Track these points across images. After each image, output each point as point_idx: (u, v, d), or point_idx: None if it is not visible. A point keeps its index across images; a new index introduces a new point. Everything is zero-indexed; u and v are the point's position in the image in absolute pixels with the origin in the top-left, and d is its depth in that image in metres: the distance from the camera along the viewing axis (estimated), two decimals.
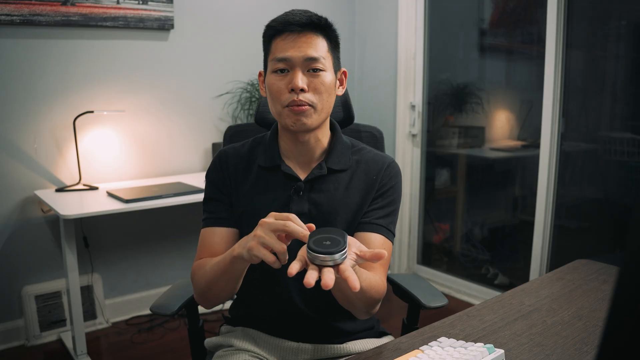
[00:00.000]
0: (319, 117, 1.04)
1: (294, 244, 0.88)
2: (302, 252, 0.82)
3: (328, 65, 1.04)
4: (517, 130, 2.94)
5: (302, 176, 1.10)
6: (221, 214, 1.11)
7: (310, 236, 0.83)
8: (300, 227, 0.84)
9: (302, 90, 1.00)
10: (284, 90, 1.01)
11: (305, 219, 1.05)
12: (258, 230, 0.85)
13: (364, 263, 0.99)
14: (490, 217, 3.20)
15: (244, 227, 1.09)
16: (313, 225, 0.86)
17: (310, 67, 1.01)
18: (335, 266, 0.79)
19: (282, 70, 1.02)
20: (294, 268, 0.79)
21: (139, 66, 2.56)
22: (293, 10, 1.04)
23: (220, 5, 2.76)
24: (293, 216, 0.85)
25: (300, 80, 1.00)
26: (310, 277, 0.76)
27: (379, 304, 1.05)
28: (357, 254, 0.84)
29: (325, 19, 1.04)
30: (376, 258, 0.83)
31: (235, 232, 1.11)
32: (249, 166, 1.12)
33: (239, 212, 1.10)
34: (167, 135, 2.70)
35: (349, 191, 1.09)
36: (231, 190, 1.11)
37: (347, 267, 0.79)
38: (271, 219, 0.85)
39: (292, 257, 0.82)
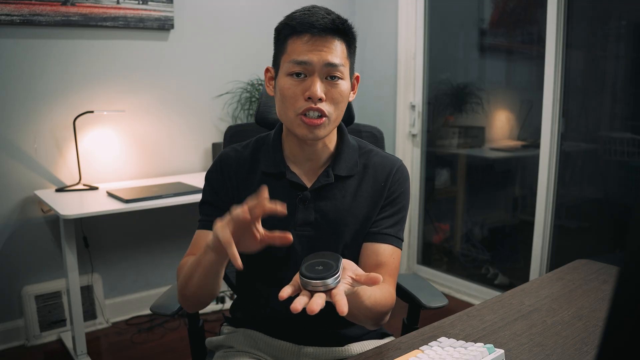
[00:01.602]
0: (331, 127, 1.01)
1: (292, 270, 0.86)
2: (297, 277, 0.81)
3: (346, 72, 0.99)
4: (517, 130, 2.95)
5: (308, 183, 1.06)
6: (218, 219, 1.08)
7: (304, 261, 0.82)
8: (240, 212, 0.83)
9: (320, 99, 0.96)
10: (299, 96, 0.97)
11: (311, 228, 1.04)
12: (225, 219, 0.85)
13: (373, 271, 0.99)
14: (490, 217, 3.20)
15: None
16: (285, 210, 0.85)
17: (329, 74, 0.96)
18: (328, 291, 0.78)
19: (298, 75, 0.96)
20: (286, 292, 0.78)
21: (139, 66, 2.56)
22: (314, 8, 0.98)
23: (220, 5, 2.76)
24: (250, 203, 0.84)
25: (319, 89, 0.95)
26: (298, 303, 0.75)
27: (388, 315, 1.03)
28: (352, 278, 0.83)
29: (347, 23, 0.99)
30: (371, 282, 0.81)
31: None
32: (251, 171, 1.08)
33: None
34: (167, 135, 2.70)
35: (357, 199, 1.06)
36: (232, 197, 1.07)
37: (339, 291, 0.78)
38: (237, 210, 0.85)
39: (289, 282, 0.82)
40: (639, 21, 2.41)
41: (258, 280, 1.11)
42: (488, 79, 3.08)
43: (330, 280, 0.77)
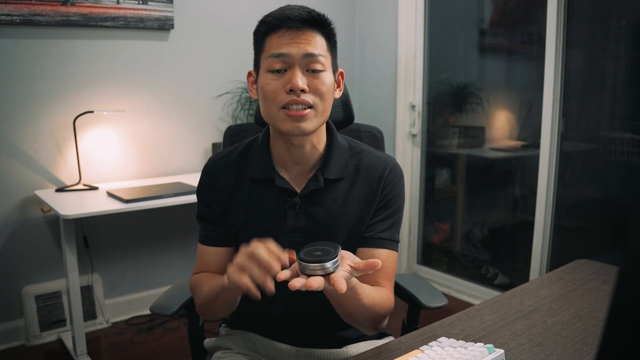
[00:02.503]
0: (319, 120, 0.97)
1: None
2: (296, 264, 0.82)
3: (327, 65, 0.97)
4: (517, 130, 2.95)
5: (298, 188, 1.03)
6: (214, 234, 1.08)
7: (303, 248, 0.83)
8: (266, 259, 0.78)
9: (302, 90, 0.93)
10: (281, 90, 0.93)
11: (302, 234, 1.02)
12: (238, 257, 0.83)
13: (369, 279, 0.98)
14: (490, 217, 3.20)
15: (239, 244, 1.03)
16: (294, 254, 0.84)
17: (310, 67, 0.94)
18: (326, 275, 0.78)
19: (278, 70, 0.94)
20: (284, 274, 0.79)
21: (139, 66, 2.56)
22: (289, 5, 0.97)
23: (220, 5, 2.76)
24: (269, 244, 0.81)
25: (300, 79, 0.92)
26: (296, 281, 0.76)
27: (386, 319, 1.02)
28: (351, 266, 0.83)
29: (325, 16, 0.98)
30: (370, 268, 0.81)
31: (229, 250, 1.07)
32: (240, 177, 1.06)
33: (235, 229, 1.06)
34: (167, 135, 2.70)
35: (349, 202, 1.03)
36: (224, 207, 1.06)
37: (337, 274, 0.78)
38: (260, 249, 0.81)
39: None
40: (639, 21, 2.41)
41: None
42: (488, 79, 3.08)
43: (329, 264, 0.78)
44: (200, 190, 1.09)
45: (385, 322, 1.02)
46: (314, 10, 0.97)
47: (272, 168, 1.04)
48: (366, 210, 1.04)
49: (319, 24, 0.96)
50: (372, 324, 0.99)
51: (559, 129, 2.47)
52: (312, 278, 0.77)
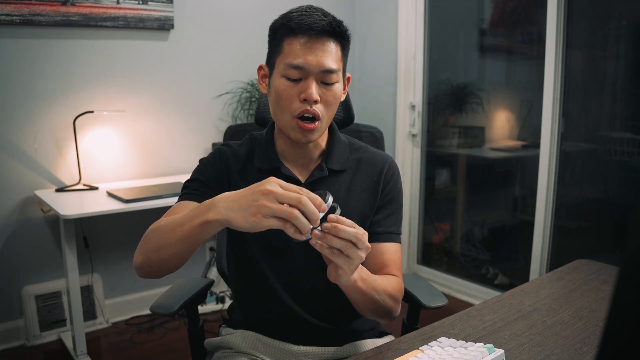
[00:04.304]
0: (323, 129, 1.03)
1: (287, 271, 0.92)
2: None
3: (340, 75, 1.02)
4: (517, 130, 2.95)
5: (302, 178, 1.08)
6: (205, 195, 1.02)
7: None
8: (314, 210, 0.75)
9: (315, 101, 0.98)
10: (295, 98, 0.98)
11: None
12: (263, 200, 0.74)
13: (382, 273, 1.05)
14: (490, 217, 3.20)
15: (237, 232, 1.01)
16: (325, 206, 0.79)
17: (325, 79, 0.98)
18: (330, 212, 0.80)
19: (293, 76, 0.98)
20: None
21: (139, 66, 2.56)
22: (311, 9, 1.00)
23: (220, 5, 2.76)
24: (305, 191, 0.77)
25: (315, 91, 0.97)
26: (314, 236, 0.79)
27: (399, 304, 1.06)
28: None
29: (343, 25, 1.01)
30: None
31: None
32: (246, 168, 1.09)
33: None
34: (167, 135, 2.70)
35: (351, 193, 1.08)
36: (222, 188, 1.04)
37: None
38: (277, 187, 0.75)
39: (282, 237, 0.81)
40: (639, 21, 2.41)
41: (254, 282, 1.11)
42: (488, 79, 3.08)
43: (329, 199, 0.82)
44: (205, 161, 1.10)
45: (399, 309, 1.06)
46: (334, 20, 0.99)
47: (277, 158, 1.08)
48: (367, 200, 1.09)
49: (338, 34, 0.99)
50: (389, 310, 1.02)
51: (559, 129, 2.47)
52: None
